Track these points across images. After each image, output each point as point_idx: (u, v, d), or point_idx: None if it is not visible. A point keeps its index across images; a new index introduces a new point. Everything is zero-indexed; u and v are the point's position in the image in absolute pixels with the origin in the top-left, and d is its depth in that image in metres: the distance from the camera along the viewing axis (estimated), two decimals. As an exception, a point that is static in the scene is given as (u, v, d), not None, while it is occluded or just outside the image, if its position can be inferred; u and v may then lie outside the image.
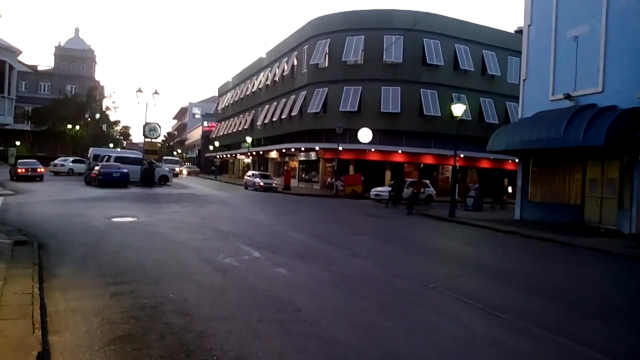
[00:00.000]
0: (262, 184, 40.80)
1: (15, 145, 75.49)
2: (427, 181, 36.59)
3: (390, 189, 31.71)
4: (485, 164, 47.32)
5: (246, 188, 42.83)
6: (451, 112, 25.21)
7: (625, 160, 19.31)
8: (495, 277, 10.46)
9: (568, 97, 20.83)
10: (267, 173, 49.39)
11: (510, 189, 37.49)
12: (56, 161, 49.87)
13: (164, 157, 75.66)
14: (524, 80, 24.44)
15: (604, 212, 20.24)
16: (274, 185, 41.99)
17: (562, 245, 16.41)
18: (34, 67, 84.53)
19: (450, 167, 41.51)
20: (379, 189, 34.31)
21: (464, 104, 26.13)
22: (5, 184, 28.09)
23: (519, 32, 33.65)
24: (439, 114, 42.42)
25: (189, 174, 72.63)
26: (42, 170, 36.73)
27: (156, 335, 5.56)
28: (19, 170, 34.95)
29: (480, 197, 30.27)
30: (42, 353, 4.74)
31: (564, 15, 21.82)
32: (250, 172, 47.10)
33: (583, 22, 20.75)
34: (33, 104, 75.90)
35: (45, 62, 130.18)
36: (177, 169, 63.96)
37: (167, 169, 46.38)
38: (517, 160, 26.70)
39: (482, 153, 38.15)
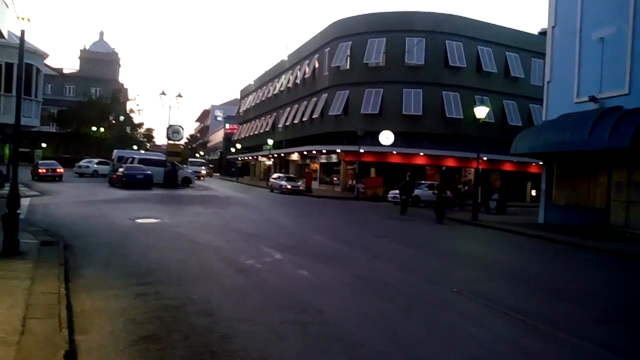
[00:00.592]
0: (289, 186, 40.38)
1: (41, 147, 76.73)
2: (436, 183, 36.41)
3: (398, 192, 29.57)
4: (508, 167, 46.87)
5: (272, 191, 42.62)
6: (474, 114, 25.04)
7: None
8: (519, 281, 10.34)
9: (593, 99, 20.53)
10: (293, 175, 48.86)
11: (534, 192, 37.06)
12: (81, 163, 50.56)
13: (189, 159, 74.12)
14: (548, 82, 24.15)
15: (630, 216, 19.87)
16: (300, 187, 41.69)
17: (587, 249, 16.15)
18: (59, 70, 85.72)
19: (473, 170, 41.26)
20: (396, 191, 34.11)
21: (487, 107, 25.93)
22: (31, 186, 28.56)
23: (543, 33, 33.29)
24: (462, 117, 42.12)
25: (207, 174, 72.71)
26: (61, 170, 38.36)
27: (180, 336, 5.61)
28: (40, 171, 36.65)
29: (504, 200, 29.96)
30: (69, 352, 4.80)
31: (589, 17, 21.51)
32: (275, 175, 46.81)
33: (609, 24, 20.43)
34: (58, 106, 77.11)
35: (70, 65, 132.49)
36: (203, 171, 62.81)
37: (190, 171, 46.46)
38: (541, 164, 26.39)
39: (506, 156, 37.80)
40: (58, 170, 37.56)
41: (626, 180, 20.21)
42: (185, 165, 54.47)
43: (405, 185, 26.90)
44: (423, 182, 36.52)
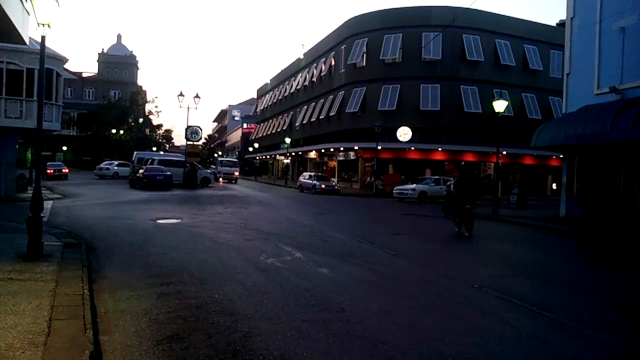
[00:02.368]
0: (323, 186, 38.99)
1: (62, 150, 77.78)
2: (452, 178, 36.16)
3: (444, 189, 27.58)
4: (528, 161, 46.41)
5: (302, 191, 41.09)
6: (492, 108, 24.82)
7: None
8: (541, 277, 10.23)
9: (614, 90, 20.21)
10: (324, 174, 46.89)
11: (554, 186, 36.65)
12: (101, 165, 51.20)
13: (220, 159, 65.97)
14: (568, 74, 23.82)
15: (654, 209, 19.55)
16: (335, 187, 40.35)
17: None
18: (79, 74, 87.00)
19: (492, 165, 40.92)
20: (401, 187, 33.88)
21: (506, 100, 25.68)
22: (54, 189, 28.95)
23: (562, 25, 32.85)
24: (480, 111, 41.80)
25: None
26: (67, 170, 45.71)
27: (203, 335, 5.65)
28: (48, 171, 41.99)
29: (524, 194, 29.68)
30: (94, 352, 4.86)
31: (609, 6, 21.15)
32: (306, 175, 44.40)
33: (630, 13, 20.07)
34: (78, 109, 78.16)
35: (89, 68, 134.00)
36: (236, 173, 54.70)
37: (218, 171, 50.13)
38: (561, 157, 26.07)
39: (526, 150, 37.50)
40: (64, 170, 44.77)
41: (650, 171, 19.88)
42: (214, 166, 53.42)
43: (461, 179, 18.25)
44: (428, 177, 36.28)
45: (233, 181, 52.48)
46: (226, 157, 77.79)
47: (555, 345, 5.90)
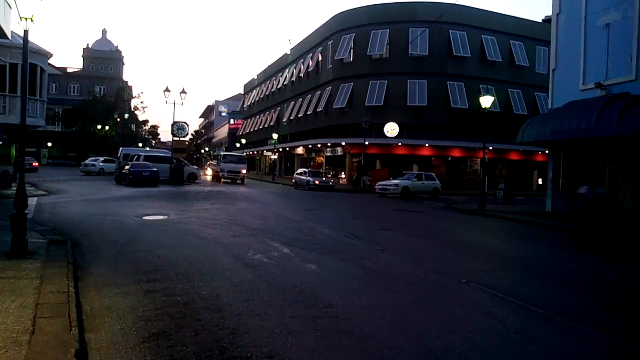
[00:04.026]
0: (317, 182, 37.89)
1: (47, 147, 77.07)
2: (433, 174, 36.40)
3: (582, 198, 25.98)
4: (514, 156, 46.75)
5: (296, 188, 39.81)
6: (479, 104, 24.92)
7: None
8: (529, 271, 10.29)
9: (599, 86, 20.37)
10: (318, 170, 45.95)
11: (540, 181, 36.96)
12: (87, 161, 50.76)
13: (222, 153, 51.03)
14: (553, 70, 23.98)
15: (638, 203, 19.75)
16: (330, 183, 39.30)
17: (596, 238, 16.05)
18: (63, 69, 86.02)
19: (479, 160, 41.15)
20: (384, 182, 33.92)
21: (492, 96, 25.79)
22: (39, 185, 28.65)
23: (547, 21, 33.08)
24: (467, 107, 42.02)
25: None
26: (36, 164, 49.45)
27: (190, 332, 5.60)
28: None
29: (510, 189, 29.87)
30: (79, 350, 4.80)
31: (594, 3, 21.30)
32: (300, 170, 43.10)
33: (614, 9, 20.23)
34: (63, 105, 77.46)
35: (74, 64, 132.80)
36: (244, 171, 43.91)
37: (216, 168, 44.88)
38: (547, 152, 26.24)
39: (512, 145, 37.74)
40: (33, 164, 47.22)
41: (634, 166, 20.08)
42: (215, 162, 48.68)
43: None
44: (409, 172, 36.37)
45: (239, 181, 42.67)
46: (228, 151, 63.79)
47: (543, 340, 5.93)
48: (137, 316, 6.11)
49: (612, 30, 20.29)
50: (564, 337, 6.06)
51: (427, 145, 43.66)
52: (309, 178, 38.58)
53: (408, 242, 13.65)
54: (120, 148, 46.18)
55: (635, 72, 19.20)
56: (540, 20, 47.49)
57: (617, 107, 18.12)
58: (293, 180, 42.35)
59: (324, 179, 39.36)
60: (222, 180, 43.01)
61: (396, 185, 32.32)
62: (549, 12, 25.27)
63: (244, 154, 78.57)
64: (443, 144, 43.80)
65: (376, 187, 34.01)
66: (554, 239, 16.30)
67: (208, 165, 59.30)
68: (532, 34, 45.49)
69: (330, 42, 48.52)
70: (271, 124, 65.10)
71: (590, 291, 8.73)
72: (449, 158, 45.59)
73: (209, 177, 49.95)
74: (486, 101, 24.29)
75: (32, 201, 18.26)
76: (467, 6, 44.45)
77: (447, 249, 12.93)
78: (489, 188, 31.23)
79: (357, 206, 25.22)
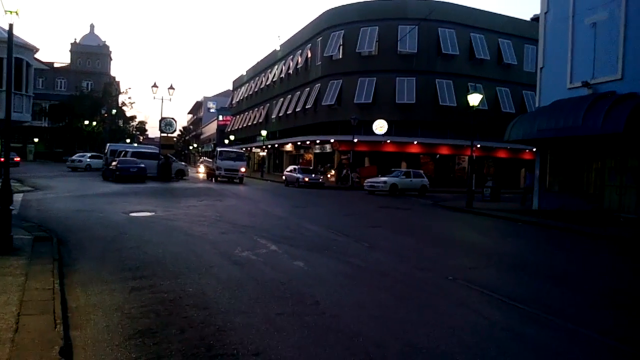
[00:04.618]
0: (306, 179, 37.19)
1: (33, 142, 76.38)
2: (421, 171, 36.50)
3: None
4: (502, 154, 46.98)
5: (287, 185, 39.14)
6: (467, 102, 25.02)
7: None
8: (515, 268, 10.38)
9: (586, 85, 20.53)
10: (309, 167, 45.11)
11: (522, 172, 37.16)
12: (74, 157, 50.34)
13: (218, 149, 43.18)
14: (541, 68, 24.13)
15: (623, 201, 19.96)
16: (320, 180, 38.45)
17: (582, 235, 16.25)
18: (50, 64, 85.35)
19: (467, 158, 41.32)
20: (372, 180, 33.97)
21: (480, 94, 25.90)
22: (25, 180, 28.39)
23: (535, 19, 33.26)
24: (455, 104, 42.14)
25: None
26: (18, 159, 49.23)
27: (176, 330, 5.59)
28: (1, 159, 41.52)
29: (498, 187, 30.03)
30: (64, 348, 4.77)
31: (582, 2, 21.46)
32: (290, 167, 42.48)
33: (601, 9, 20.39)
34: (50, 100, 76.76)
35: (61, 59, 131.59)
36: (243, 169, 40.10)
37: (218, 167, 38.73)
38: (534, 150, 26.42)
39: (499, 143, 37.94)
40: (15, 159, 46.93)
41: (620, 165, 20.28)
42: (209, 159, 44.54)
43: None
44: (397, 169, 36.40)
45: (236, 180, 39.29)
46: (224, 147, 54.75)
47: (528, 337, 5.98)
48: (122, 313, 6.08)
49: (599, 30, 20.46)
50: (549, 334, 6.11)
51: (415, 142, 43.77)
52: (298, 175, 38.05)
53: (395, 240, 13.69)
54: (108, 144, 45.85)
55: (621, 71, 19.38)
56: (528, 19, 47.73)
57: (603, 106, 18.28)
58: (283, 177, 41.82)
59: (313, 175, 38.66)
60: (218, 179, 39.46)
61: (385, 182, 32.37)
62: (538, 11, 25.41)
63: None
64: (431, 142, 43.92)
65: (365, 184, 34.05)
66: (540, 236, 16.43)
67: (201, 163, 56.93)
68: (521, 32, 45.70)
69: (319, 39, 48.47)
70: (260, 120, 64.95)
71: (577, 289, 8.81)
72: (437, 156, 45.75)
73: (201, 176, 47.87)
74: (474, 99, 24.39)
75: (17, 197, 18.12)
76: (456, 4, 44.56)
77: (434, 246, 12.99)
78: (477, 186, 31.34)
79: (345, 203, 25.25)
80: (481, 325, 6.32)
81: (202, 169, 52.31)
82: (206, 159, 58.68)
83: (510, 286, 8.57)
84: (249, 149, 72.18)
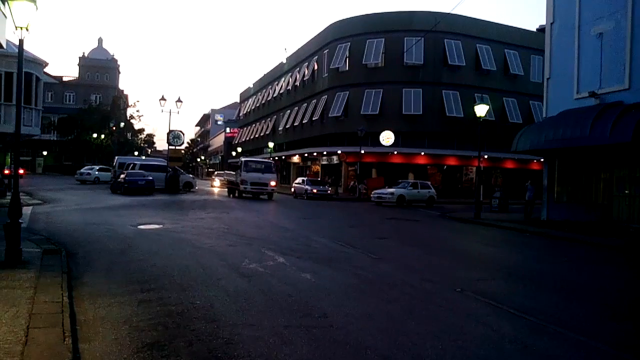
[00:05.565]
0: (315, 191, 36.91)
1: (42, 155, 76.88)
2: (428, 182, 36.46)
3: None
4: (510, 165, 46.84)
5: (295, 197, 38.88)
6: (474, 112, 25.02)
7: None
8: (523, 280, 10.31)
9: (593, 95, 20.48)
10: (317, 179, 44.94)
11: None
12: (82, 170, 50.61)
13: (245, 159, 36.44)
14: (548, 79, 24.10)
15: (632, 211, 19.81)
16: (328, 192, 38.13)
17: (591, 246, 16.15)
18: (59, 78, 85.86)
19: (474, 169, 41.21)
20: (380, 191, 33.95)
21: (487, 105, 25.91)
22: (34, 194, 28.57)
23: (542, 30, 33.26)
24: (462, 115, 42.12)
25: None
26: (22, 171, 45.40)
27: (184, 342, 5.59)
28: (6, 172, 40.79)
29: (506, 198, 29.93)
30: (73, 361, 4.79)
31: (588, 12, 21.47)
32: (299, 179, 42.03)
33: (607, 19, 20.39)
34: (59, 114, 77.34)
35: (70, 72, 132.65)
36: (273, 182, 34.49)
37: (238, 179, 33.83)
38: (542, 161, 26.32)
39: (507, 154, 37.77)
40: (19, 171, 44.30)
41: (628, 175, 20.16)
42: (238, 172, 34.56)
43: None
44: (406, 181, 36.34)
45: (264, 196, 34.43)
46: (250, 157, 46.53)
47: (537, 349, 5.94)
48: (131, 326, 6.09)
49: (605, 40, 20.43)
50: (558, 346, 6.06)
51: (422, 153, 43.73)
52: (307, 187, 37.75)
53: (403, 251, 13.66)
54: (116, 157, 46.10)
55: (628, 81, 19.32)
56: (534, 30, 47.72)
57: (611, 116, 18.22)
58: (292, 189, 41.48)
59: (321, 187, 38.47)
60: (243, 195, 34.34)
61: (392, 193, 32.38)
62: (543, 22, 25.41)
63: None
64: (438, 153, 43.87)
65: (372, 195, 34.04)
66: (548, 247, 16.34)
67: (215, 176, 55.20)
68: (527, 43, 45.71)
69: (326, 51, 48.66)
70: (267, 132, 65.12)
71: (586, 300, 8.75)
72: (445, 166, 45.67)
73: (216, 190, 45.38)
74: (481, 110, 24.39)
75: (26, 210, 18.24)
76: (462, 15, 44.66)
77: (442, 257, 12.94)
78: (485, 196, 31.24)
79: (353, 215, 25.23)
80: (490, 338, 6.28)
81: (217, 182, 51.09)
82: (222, 172, 55.86)
83: (518, 298, 8.52)
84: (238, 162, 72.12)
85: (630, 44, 19.26)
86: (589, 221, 20.62)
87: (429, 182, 36.68)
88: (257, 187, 33.62)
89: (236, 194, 35.48)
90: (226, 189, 41.16)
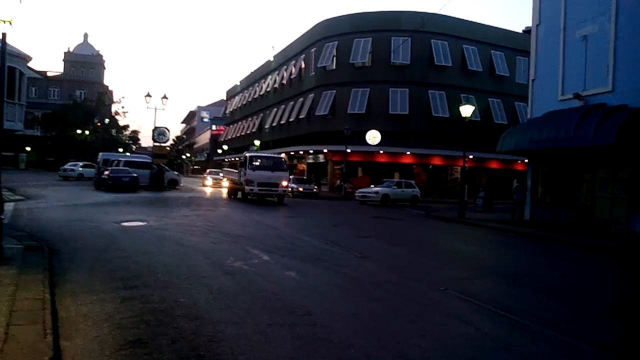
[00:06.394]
0: (300, 189, 36.84)
1: (25, 151, 76.00)
2: (413, 181, 36.62)
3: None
4: (494, 165, 47.19)
5: None
6: (460, 113, 25.16)
7: (636, 160, 19.14)
8: (506, 279, 10.40)
9: (577, 96, 20.72)
10: (304, 177, 44.24)
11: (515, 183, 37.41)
12: (66, 166, 50.08)
13: (250, 154, 31.00)
14: (533, 80, 24.33)
15: (614, 212, 20.07)
16: (314, 190, 37.73)
17: (574, 246, 16.32)
18: (43, 73, 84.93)
19: (459, 169, 41.45)
20: (364, 190, 34.03)
21: (473, 105, 26.07)
22: (16, 190, 28.24)
23: (528, 32, 33.53)
24: (448, 115, 42.37)
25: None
26: None
27: (167, 340, 5.55)
28: None
29: (490, 198, 30.14)
30: (54, 358, 4.74)
31: (573, 15, 21.70)
32: None
33: (592, 21, 20.62)
34: (43, 109, 76.45)
35: (54, 67, 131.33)
36: (284, 182, 29.15)
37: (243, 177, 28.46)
38: (526, 161, 26.54)
39: (492, 154, 38.06)
40: None
41: (611, 176, 20.41)
42: (242, 170, 29.35)
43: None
44: (389, 180, 36.39)
45: (274, 198, 30.12)
46: (256, 151, 45.37)
47: (519, 348, 5.99)
48: (113, 323, 6.04)
49: (589, 42, 20.67)
50: (539, 344, 6.12)
51: (408, 153, 43.92)
52: (293, 185, 37.06)
53: (388, 250, 13.70)
54: (100, 153, 45.69)
55: (612, 83, 19.56)
56: (520, 31, 48.13)
57: (594, 118, 18.43)
58: None
59: (307, 186, 38.36)
60: (249, 197, 29.66)
61: (376, 192, 32.47)
62: (529, 23, 25.64)
63: (226, 160, 77.75)
64: (424, 152, 44.11)
65: (356, 194, 34.10)
66: (531, 247, 16.48)
67: (208, 174, 50.18)
68: (513, 44, 46.09)
69: (313, 49, 48.67)
70: (254, 130, 65.00)
71: (568, 299, 8.84)
72: (430, 166, 45.90)
73: (209, 190, 41.65)
74: (467, 110, 24.54)
75: (9, 206, 18.00)
76: (449, 16, 44.92)
77: (426, 256, 13.01)
78: (469, 196, 31.46)
79: (337, 213, 25.25)
80: (472, 337, 6.32)
81: (209, 181, 47.22)
82: (217, 170, 49.93)
83: (501, 297, 8.58)
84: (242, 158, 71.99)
85: (614, 47, 19.51)
86: (571, 221, 20.86)
87: (413, 182, 36.84)
88: (265, 188, 28.32)
89: (238, 195, 31.66)
90: (218, 189, 40.20)
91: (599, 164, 20.92)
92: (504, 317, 7.19)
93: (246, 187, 28.28)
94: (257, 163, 29.17)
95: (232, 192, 32.86)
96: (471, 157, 42.23)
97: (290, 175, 33.00)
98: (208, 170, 54.69)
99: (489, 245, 16.68)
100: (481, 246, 16.33)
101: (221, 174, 42.45)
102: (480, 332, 6.47)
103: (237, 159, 72.07)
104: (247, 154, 30.64)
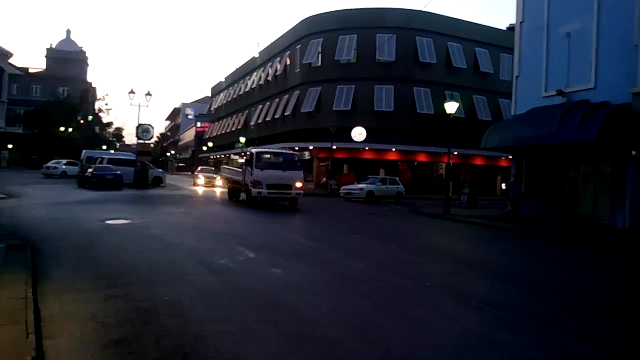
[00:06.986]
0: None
1: (7, 149, 75.01)
2: (397, 178, 36.66)
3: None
4: (479, 161, 47.45)
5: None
6: (444, 109, 25.25)
7: (618, 156, 19.36)
8: (491, 274, 10.48)
9: (561, 93, 20.89)
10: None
11: (504, 186, 37.56)
12: (49, 164, 49.47)
13: (257, 150, 25.61)
14: (517, 77, 24.48)
15: (597, 208, 20.30)
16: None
17: (557, 241, 16.47)
18: (25, 70, 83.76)
19: (444, 165, 41.65)
20: (349, 187, 34.03)
21: (457, 102, 26.17)
22: (-3, 188, 27.88)
23: (511, 29, 33.72)
24: (433, 112, 42.50)
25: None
26: None
27: (151, 339, 5.51)
28: None
29: (474, 194, 30.32)
30: (36, 358, 4.68)
31: (556, 12, 21.86)
32: None
33: (575, 19, 20.80)
34: (25, 106, 75.41)
35: (36, 64, 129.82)
36: (299, 184, 24.70)
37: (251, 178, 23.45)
38: (510, 157, 26.72)
39: (476, 150, 38.26)
40: None
41: (593, 172, 20.63)
42: (248, 169, 24.45)
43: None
44: (373, 176, 36.35)
45: (285, 202, 25.53)
46: (265, 148, 33.53)
47: (503, 342, 6.04)
48: (97, 322, 5.99)
49: (572, 39, 20.84)
50: (524, 339, 6.17)
51: (393, 149, 44.02)
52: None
53: (373, 246, 13.73)
54: (84, 151, 45.15)
55: (594, 80, 19.76)
56: (504, 29, 48.38)
57: (577, 114, 18.60)
58: None
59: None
60: (258, 199, 24.28)
61: (361, 189, 32.50)
62: (513, 21, 25.81)
63: (211, 157, 77.37)
64: (409, 149, 44.22)
65: (341, 191, 34.11)
66: (516, 242, 16.62)
67: (200, 172, 46.93)
68: (497, 41, 46.32)
69: (298, 46, 48.56)
70: (239, 127, 64.72)
71: (552, 294, 8.92)
72: (415, 163, 46.05)
73: (200, 190, 38.83)
74: (451, 107, 24.64)
75: (-10, 205, 17.77)
76: (434, 13, 45.06)
77: (412, 252, 13.06)
78: (454, 192, 31.58)
79: (323, 211, 25.25)
80: (457, 332, 6.36)
81: (201, 180, 43.93)
82: (224, 167, 40.56)
83: (486, 292, 8.64)
84: (227, 155, 71.84)
85: (596, 45, 19.70)
86: (555, 217, 21.05)
87: (398, 178, 36.91)
88: (276, 191, 23.86)
89: (240, 198, 27.66)
90: (213, 188, 39.33)
91: (582, 160, 21.14)
92: (489, 311, 7.24)
93: (253, 189, 23.64)
94: (266, 161, 25.29)
95: (234, 193, 28.61)
96: (456, 153, 42.42)
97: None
98: (200, 168, 51.38)
99: (473, 241, 16.78)
100: (466, 242, 16.43)
101: (224, 172, 36.01)
102: (466, 327, 6.51)
103: (221, 156, 72.16)
104: (253, 150, 25.70)
